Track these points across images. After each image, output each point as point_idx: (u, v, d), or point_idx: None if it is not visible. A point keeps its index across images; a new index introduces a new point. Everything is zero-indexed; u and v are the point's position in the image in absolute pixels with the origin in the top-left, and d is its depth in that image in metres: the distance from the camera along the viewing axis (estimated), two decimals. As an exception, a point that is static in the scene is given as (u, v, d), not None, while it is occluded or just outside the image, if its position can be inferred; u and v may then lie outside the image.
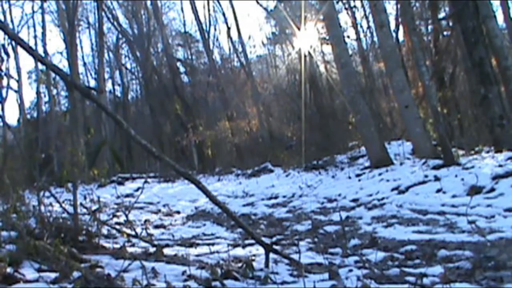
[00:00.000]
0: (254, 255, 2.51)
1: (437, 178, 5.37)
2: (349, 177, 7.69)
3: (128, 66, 22.66)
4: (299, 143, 11.85)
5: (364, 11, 14.20)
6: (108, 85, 21.68)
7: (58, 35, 32.68)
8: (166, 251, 2.53)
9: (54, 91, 20.07)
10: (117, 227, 3.06)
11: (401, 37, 11.93)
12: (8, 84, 17.88)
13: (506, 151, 6.22)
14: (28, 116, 20.03)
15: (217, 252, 2.60)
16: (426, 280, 1.81)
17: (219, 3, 21.64)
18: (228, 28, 18.59)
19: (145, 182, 11.25)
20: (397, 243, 2.84)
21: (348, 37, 14.26)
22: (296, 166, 10.86)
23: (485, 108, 7.35)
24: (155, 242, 2.69)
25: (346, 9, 13.95)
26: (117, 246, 2.45)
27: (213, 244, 2.94)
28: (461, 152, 7.17)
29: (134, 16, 19.36)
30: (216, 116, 18.55)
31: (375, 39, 13.23)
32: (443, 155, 6.41)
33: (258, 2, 21.54)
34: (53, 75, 16.65)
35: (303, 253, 2.47)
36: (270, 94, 17.32)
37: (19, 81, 19.23)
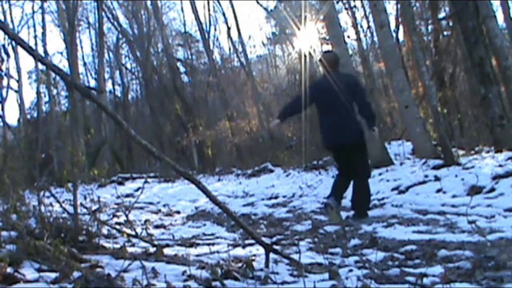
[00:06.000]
0: (254, 255, 2.51)
1: (437, 178, 5.37)
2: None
3: (128, 66, 22.70)
4: (299, 143, 11.85)
5: (364, 11, 14.21)
6: (108, 85, 21.73)
7: (58, 35, 32.77)
8: (166, 251, 2.53)
9: (54, 91, 20.10)
10: (117, 227, 3.06)
11: (401, 37, 11.95)
12: (8, 84, 17.92)
13: (506, 151, 6.22)
14: (28, 116, 20.06)
15: (217, 252, 2.60)
16: (426, 280, 1.81)
17: (219, 3, 21.69)
18: (228, 28, 18.62)
19: (145, 182, 11.26)
20: (397, 243, 2.84)
21: (348, 37, 14.26)
22: (296, 166, 10.86)
23: (485, 108, 7.35)
24: (155, 242, 2.69)
25: (346, 9, 13.95)
26: (117, 246, 2.44)
27: (213, 244, 2.94)
28: (461, 152, 7.17)
29: (134, 16, 19.37)
30: (216, 116, 18.58)
31: (375, 39, 13.24)
32: (443, 155, 6.41)
33: (258, 2, 21.61)
34: (53, 75, 16.67)
35: (303, 253, 2.47)
36: (270, 94, 17.33)
37: (19, 81, 19.27)
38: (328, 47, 10.24)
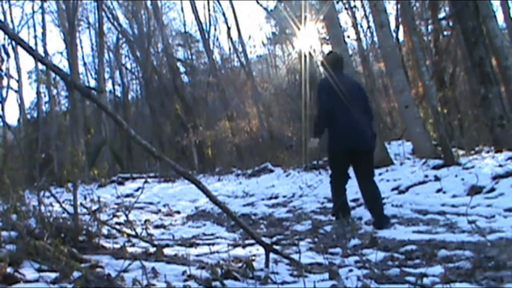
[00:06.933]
0: (254, 255, 2.51)
1: (437, 178, 5.37)
2: (349, 177, 7.68)
3: (128, 66, 22.70)
4: (299, 143, 11.86)
5: (364, 11, 14.22)
6: (108, 85, 21.74)
7: (58, 35, 32.81)
8: (166, 251, 2.53)
9: (54, 91, 20.11)
10: (117, 227, 3.06)
11: (401, 37, 11.97)
12: (8, 84, 17.92)
13: (506, 151, 6.22)
14: (28, 116, 20.06)
15: (217, 252, 2.60)
16: (426, 280, 1.81)
17: (219, 3, 21.71)
18: (228, 28, 18.61)
19: (145, 182, 11.26)
20: (397, 243, 2.84)
21: (348, 37, 14.28)
22: (296, 166, 10.86)
23: (485, 108, 7.35)
24: (155, 242, 2.69)
25: (346, 9, 13.96)
26: (117, 246, 2.44)
27: (213, 244, 2.94)
28: (461, 152, 7.17)
29: (134, 16, 19.37)
30: (216, 116, 18.58)
31: (375, 39, 13.24)
32: (443, 155, 6.41)
33: (258, 2, 21.62)
34: (53, 75, 16.68)
35: (303, 253, 2.47)
36: (270, 94, 17.32)
37: (19, 81, 19.27)
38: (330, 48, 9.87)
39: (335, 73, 3.85)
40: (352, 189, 4.70)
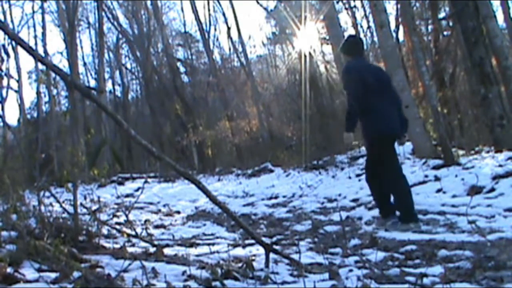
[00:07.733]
0: (254, 255, 2.51)
1: (437, 178, 5.37)
2: (349, 177, 7.69)
3: (128, 66, 22.69)
4: (299, 143, 11.86)
5: (364, 11, 14.21)
6: (108, 85, 21.71)
7: (58, 35, 32.82)
8: (166, 251, 2.53)
9: (54, 91, 20.09)
10: (117, 227, 3.06)
11: (401, 37, 11.93)
12: (8, 84, 17.92)
13: (506, 151, 6.22)
14: (28, 116, 20.04)
15: (217, 252, 2.60)
16: (426, 280, 1.81)
17: (219, 3, 21.70)
18: (228, 28, 18.60)
19: (145, 182, 11.25)
20: (397, 243, 2.84)
21: (348, 37, 14.24)
22: (296, 166, 10.86)
23: (485, 108, 7.35)
24: (155, 242, 2.69)
25: (346, 9, 13.96)
26: (117, 246, 2.45)
27: (213, 244, 2.95)
28: (461, 152, 7.17)
29: (134, 16, 19.36)
30: (216, 116, 18.57)
31: (375, 39, 13.23)
32: (443, 155, 6.41)
33: (258, 2, 21.61)
34: (53, 75, 16.65)
35: (303, 253, 2.47)
36: (270, 94, 17.32)
37: (19, 81, 19.26)
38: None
39: (357, 57, 3.72)
40: (352, 189, 4.71)
